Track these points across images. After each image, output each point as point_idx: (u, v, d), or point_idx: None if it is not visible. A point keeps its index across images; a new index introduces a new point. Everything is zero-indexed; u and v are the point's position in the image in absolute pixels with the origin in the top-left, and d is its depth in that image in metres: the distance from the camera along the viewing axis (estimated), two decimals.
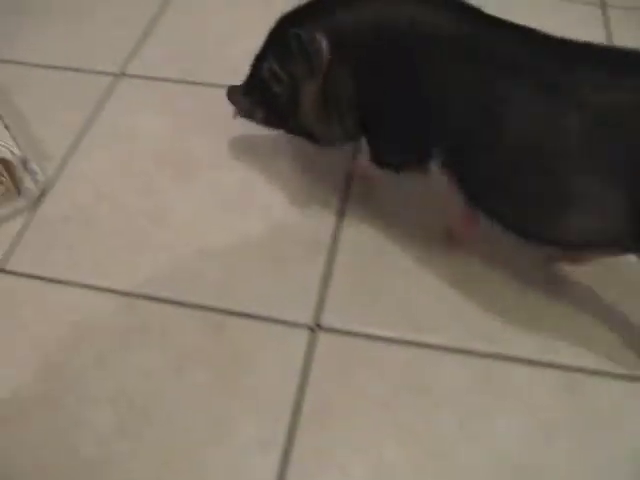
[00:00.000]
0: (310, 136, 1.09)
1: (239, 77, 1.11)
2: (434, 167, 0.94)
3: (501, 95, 0.84)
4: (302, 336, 0.97)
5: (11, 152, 1.07)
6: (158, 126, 1.26)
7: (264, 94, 1.05)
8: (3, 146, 1.07)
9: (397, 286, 1.02)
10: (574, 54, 0.83)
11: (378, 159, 1.05)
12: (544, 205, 0.85)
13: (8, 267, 1.06)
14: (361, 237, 1.08)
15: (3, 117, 1.17)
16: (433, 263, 1.05)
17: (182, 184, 1.16)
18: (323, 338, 0.97)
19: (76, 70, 1.37)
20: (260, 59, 1.05)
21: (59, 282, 1.04)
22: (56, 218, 1.11)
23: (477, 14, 0.91)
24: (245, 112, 1.11)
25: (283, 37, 0.99)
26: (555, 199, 0.84)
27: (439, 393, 0.92)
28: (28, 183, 1.15)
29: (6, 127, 1.14)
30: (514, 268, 1.04)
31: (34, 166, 1.16)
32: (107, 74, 1.36)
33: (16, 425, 0.91)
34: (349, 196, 1.14)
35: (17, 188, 1.12)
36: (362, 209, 1.12)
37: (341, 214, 1.12)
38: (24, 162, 1.12)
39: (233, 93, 1.11)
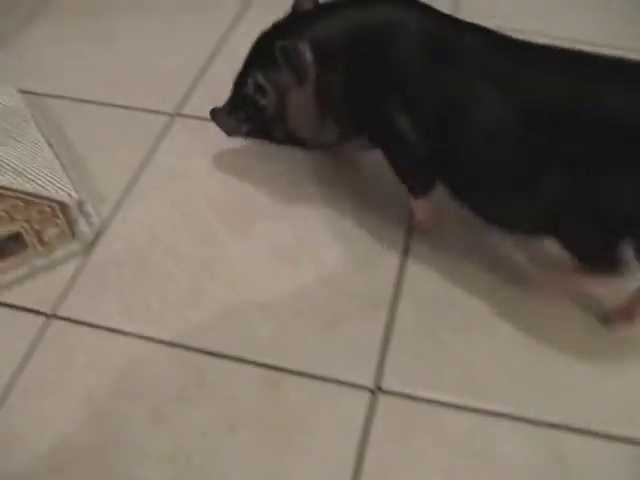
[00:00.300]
0: (298, 142, 1.14)
1: None
2: None
3: (467, 93, 0.93)
4: (362, 398, 0.95)
5: (69, 195, 1.05)
6: (213, 168, 1.25)
7: (249, 109, 1.10)
8: (61, 189, 1.05)
9: (459, 347, 1.00)
10: (528, 54, 0.92)
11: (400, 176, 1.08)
12: (502, 192, 0.95)
13: (60, 312, 1.04)
14: (423, 291, 1.06)
15: (59, 155, 1.15)
16: (499, 320, 1.03)
17: (236, 231, 1.14)
18: (383, 400, 0.94)
19: (130, 108, 1.36)
20: (243, 76, 1.09)
21: (112, 330, 1.02)
22: (110, 262, 1.10)
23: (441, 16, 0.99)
24: (231, 130, 1.16)
25: (266, 51, 1.04)
26: (510, 186, 0.93)
27: (500, 462, 0.89)
28: (83, 226, 1.13)
29: (62, 166, 1.12)
30: (583, 342, 1.01)
31: (89, 208, 1.14)
32: (162, 114, 1.34)
33: (66, 476, 0.89)
34: (410, 247, 1.12)
35: (72, 230, 1.11)
36: (424, 260, 1.10)
37: (402, 268, 1.09)
38: (80, 204, 1.11)
39: (217, 114, 1.15)
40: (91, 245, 1.12)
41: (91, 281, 1.07)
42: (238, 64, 1.12)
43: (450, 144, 0.97)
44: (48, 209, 1.06)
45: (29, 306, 1.05)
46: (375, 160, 1.13)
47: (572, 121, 0.86)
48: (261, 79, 1.06)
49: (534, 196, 0.92)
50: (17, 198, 1.02)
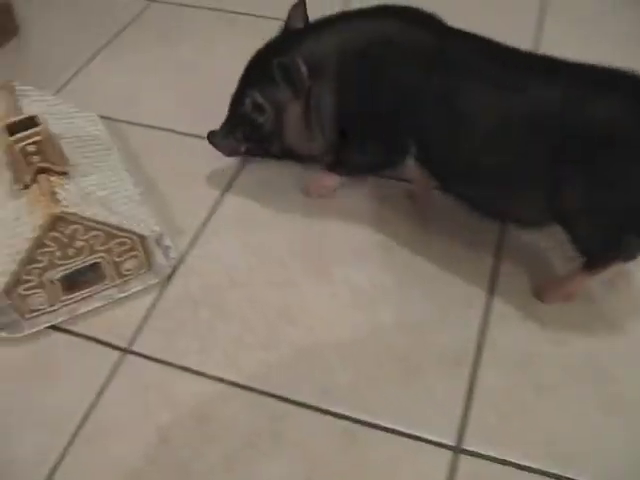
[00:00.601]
0: (294, 156, 1.17)
1: None
2: (409, 162, 1.07)
3: (461, 96, 0.98)
4: (443, 456, 0.92)
5: (151, 229, 1.04)
6: (289, 209, 1.23)
7: (247, 128, 1.14)
8: (142, 222, 1.03)
9: (543, 407, 0.96)
10: (518, 60, 0.98)
11: (350, 163, 1.16)
12: (498, 185, 1.01)
13: (135, 347, 1.03)
14: (507, 344, 1.02)
15: (138, 185, 1.14)
16: (583, 379, 0.99)
17: (313, 275, 1.12)
18: (465, 461, 0.91)
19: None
20: (240, 96, 1.12)
21: (186, 370, 1.00)
22: (186, 299, 1.08)
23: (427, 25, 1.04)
24: (231, 151, 1.20)
25: (262, 69, 1.08)
26: (506, 180, 1.00)
27: None
28: (160, 258, 1.12)
29: (142, 197, 1.11)
30: None
31: (168, 241, 1.13)
32: None
33: None
34: (493, 296, 1.08)
35: (149, 263, 1.09)
36: (508, 310, 1.07)
37: (485, 318, 1.06)
38: (158, 237, 1.09)
39: (215, 137, 1.18)
40: (168, 279, 1.10)
41: (167, 317, 1.06)
42: None
43: (451, 148, 1.02)
44: (128, 241, 1.04)
45: (105, 339, 1.03)
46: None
47: (572, 121, 0.92)
48: (259, 97, 1.09)
49: (538, 194, 0.97)
50: (100, 230, 1.00)
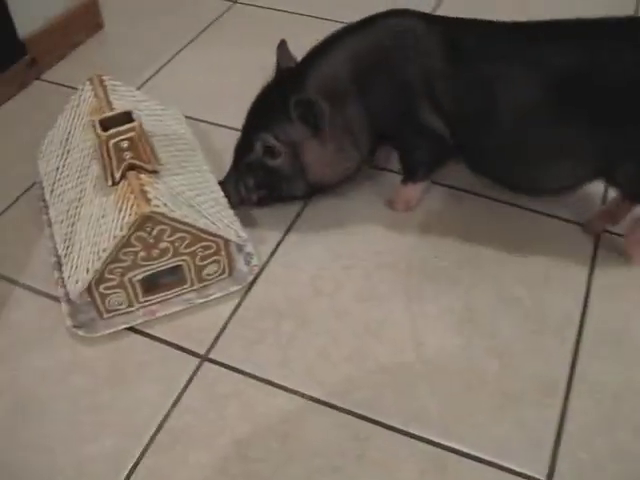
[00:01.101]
0: (324, 187, 1.14)
1: None
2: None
3: (495, 83, 0.99)
4: None
5: (237, 235, 1.00)
6: (377, 219, 1.19)
7: (259, 174, 1.09)
8: (229, 226, 1.00)
9: (633, 444, 0.90)
10: (538, 32, 1.00)
11: (412, 167, 1.14)
12: (532, 161, 1.03)
13: (214, 355, 0.99)
14: (601, 377, 0.97)
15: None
16: None
17: (403, 292, 1.08)
18: None
19: None
20: (247, 141, 1.09)
21: (267, 382, 0.96)
22: (268, 309, 1.05)
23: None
24: (242, 200, 1.12)
25: (269, 111, 1.06)
26: (541, 155, 1.02)
27: None
28: (241, 265, 1.08)
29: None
30: None
31: (250, 248, 1.09)
32: None
33: None
34: (585, 323, 1.03)
35: (230, 269, 1.06)
36: (601, 339, 1.01)
37: (577, 347, 1.01)
38: (243, 242, 1.06)
39: (222, 187, 1.08)
40: (249, 287, 1.06)
41: (247, 326, 1.02)
42: None
43: (484, 128, 1.03)
44: (213, 246, 1.01)
45: (183, 344, 1.00)
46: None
47: (601, 77, 0.94)
48: (271, 140, 1.05)
49: (580, 154, 1.00)
50: (186, 232, 0.97)
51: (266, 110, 1.08)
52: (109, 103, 1.06)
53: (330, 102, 1.03)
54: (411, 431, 0.91)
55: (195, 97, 1.42)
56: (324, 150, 1.06)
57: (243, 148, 1.10)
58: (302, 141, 1.06)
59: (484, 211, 1.18)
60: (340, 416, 0.93)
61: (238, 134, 1.18)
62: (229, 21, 1.64)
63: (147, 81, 1.45)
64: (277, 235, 1.14)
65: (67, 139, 1.10)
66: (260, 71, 1.42)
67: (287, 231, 1.15)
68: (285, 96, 1.03)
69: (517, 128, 1.01)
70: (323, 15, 1.63)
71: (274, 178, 1.09)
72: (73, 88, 1.11)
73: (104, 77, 1.12)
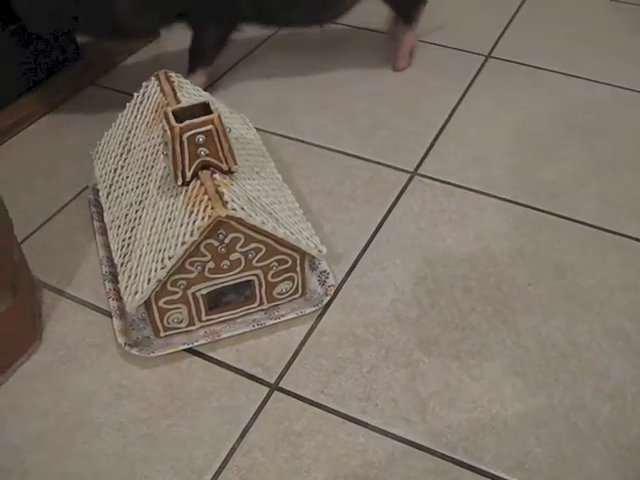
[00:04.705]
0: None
1: None
2: None
3: None
4: None
5: (318, 249, 0.88)
6: (462, 239, 1.07)
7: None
8: (308, 239, 0.88)
9: None
10: None
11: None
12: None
13: (285, 385, 0.87)
14: None
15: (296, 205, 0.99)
16: None
17: (498, 322, 0.96)
18: None
19: (367, 160, 1.23)
20: None
21: (348, 418, 0.84)
22: (344, 335, 0.94)
23: None
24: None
25: None
26: None
27: None
28: (314, 285, 0.96)
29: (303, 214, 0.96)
30: None
31: (325, 266, 0.97)
32: (402, 171, 1.17)
33: None
34: None
35: (303, 288, 0.93)
36: None
37: None
38: (320, 258, 0.94)
39: None
40: (324, 310, 0.94)
41: (323, 353, 0.91)
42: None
43: None
44: (289, 260, 0.89)
45: (250, 371, 0.88)
46: None
47: None
48: None
49: None
50: (262, 242, 0.85)
51: None
52: (177, 100, 0.95)
53: None
54: None
55: (259, 106, 1.35)
56: None
57: None
58: None
59: (583, 239, 1.07)
60: (432, 460, 0.80)
61: (309, 148, 1.15)
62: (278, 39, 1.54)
63: (209, 86, 1.35)
64: (353, 254, 1.03)
65: (128, 138, 0.99)
66: (331, 85, 1.33)
67: (364, 249, 1.02)
68: None
69: None
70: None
71: None
72: (128, 94, 1.01)
73: (171, 73, 1.01)
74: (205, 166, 0.84)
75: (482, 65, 1.44)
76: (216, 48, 1.30)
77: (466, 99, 1.35)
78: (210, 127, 0.81)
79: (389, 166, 1.19)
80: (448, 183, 1.15)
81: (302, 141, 1.24)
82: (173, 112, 0.82)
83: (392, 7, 1.36)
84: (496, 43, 1.51)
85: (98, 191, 1.01)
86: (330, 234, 1.05)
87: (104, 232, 1.01)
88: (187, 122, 0.80)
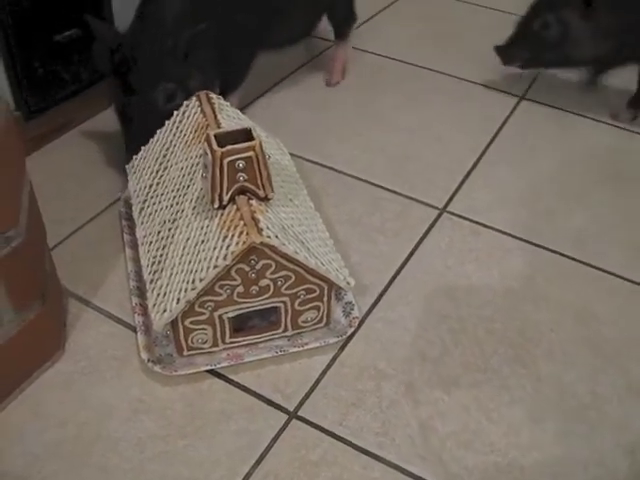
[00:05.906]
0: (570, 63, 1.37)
1: None
2: None
3: None
4: None
5: (346, 281, 0.89)
6: (487, 280, 1.07)
7: (534, 43, 1.35)
8: (338, 270, 0.89)
9: None
10: None
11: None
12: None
13: (303, 413, 0.87)
14: None
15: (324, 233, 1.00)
16: None
17: (519, 366, 0.96)
18: None
19: (396, 194, 1.24)
20: (533, 17, 1.34)
21: (365, 452, 0.84)
22: (366, 368, 0.94)
23: None
24: (510, 60, 1.39)
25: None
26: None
27: None
28: (338, 315, 0.96)
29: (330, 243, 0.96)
30: None
31: (350, 297, 0.98)
32: (431, 207, 1.18)
33: None
34: None
35: (328, 318, 0.94)
36: None
37: None
38: (347, 290, 0.95)
39: (501, 47, 1.39)
40: (347, 341, 0.94)
41: (343, 385, 0.92)
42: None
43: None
44: (317, 290, 0.89)
45: (269, 397, 0.88)
46: None
47: None
48: (551, 18, 1.31)
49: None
50: (292, 270, 0.86)
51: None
52: (217, 121, 0.96)
53: None
54: None
55: (292, 131, 1.35)
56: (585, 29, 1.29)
57: (527, 21, 1.36)
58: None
59: (608, 288, 1.07)
60: None
61: (340, 177, 1.19)
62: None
63: (243, 109, 1.36)
64: (379, 287, 1.03)
65: (165, 155, 1.00)
66: (364, 114, 1.34)
67: (390, 283, 1.03)
68: None
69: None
70: (450, 72, 1.55)
71: (541, 46, 1.34)
72: None
73: (212, 95, 1.02)
74: (242, 191, 0.85)
75: (515, 107, 1.45)
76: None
77: (499, 138, 1.35)
78: (251, 154, 0.82)
79: (417, 200, 1.19)
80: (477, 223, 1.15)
81: (333, 169, 1.25)
82: (215, 136, 0.83)
83: (330, 22, 1.47)
84: (530, 86, 1.51)
85: (130, 205, 1.02)
86: (357, 265, 1.06)
87: (134, 246, 1.02)
88: (229, 147, 0.81)
